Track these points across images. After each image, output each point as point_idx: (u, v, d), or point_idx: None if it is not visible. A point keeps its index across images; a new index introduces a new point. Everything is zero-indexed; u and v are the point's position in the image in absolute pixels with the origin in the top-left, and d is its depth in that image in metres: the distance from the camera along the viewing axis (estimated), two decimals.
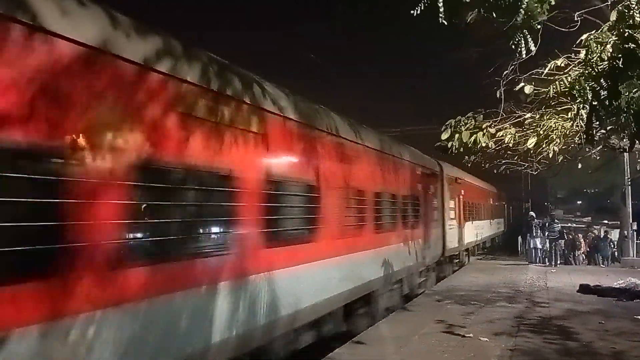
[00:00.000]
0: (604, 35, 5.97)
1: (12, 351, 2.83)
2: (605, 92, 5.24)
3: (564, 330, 8.48)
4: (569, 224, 31.18)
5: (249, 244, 5.08)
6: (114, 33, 3.73)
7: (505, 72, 8.45)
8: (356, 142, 8.49)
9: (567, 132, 9.32)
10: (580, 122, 8.21)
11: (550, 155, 10.07)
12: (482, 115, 9.20)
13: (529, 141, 9.06)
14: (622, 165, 20.45)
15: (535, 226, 20.99)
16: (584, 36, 6.62)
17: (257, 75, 5.99)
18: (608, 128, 6.47)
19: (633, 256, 21.20)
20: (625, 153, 14.41)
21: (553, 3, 4.90)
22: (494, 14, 4.49)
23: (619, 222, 24.61)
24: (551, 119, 8.86)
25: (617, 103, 5.29)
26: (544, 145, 9.47)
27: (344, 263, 7.65)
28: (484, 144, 9.05)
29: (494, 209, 29.61)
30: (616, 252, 23.31)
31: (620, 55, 5.11)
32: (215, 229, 4.85)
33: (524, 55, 4.78)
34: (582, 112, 7.30)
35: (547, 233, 20.46)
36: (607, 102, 5.30)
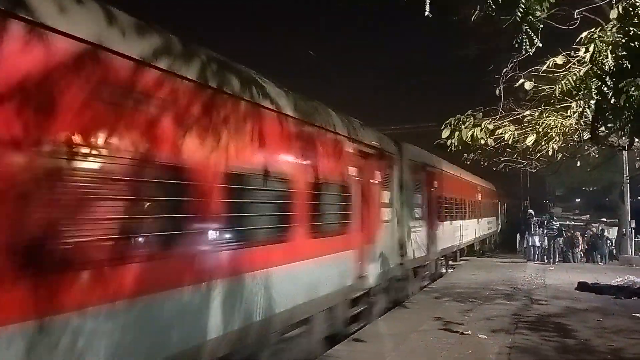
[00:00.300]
0: (609, 34, 5.97)
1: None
2: (612, 91, 5.24)
3: (562, 328, 8.50)
4: (568, 222, 31.22)
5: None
6: None
7: (504, 70, 8.45)
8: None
9: (566, 130, 9.34)
10: (582, 121, 8.23)
11: (550, 153, 10.08)
12: (481, 113, 9.22)
13: (528, 139, 9.07)
14: (621, 163, 20.48)
15: (533, 224, 21.05)
16: (584, 34, 6.62)
17: None
18: (609, 125, 6.46)
19: (631, 254, 21.26)
20: (624, 151, 14.43)
21: (553, 0, 4.90)
22: (493, 11, 4.48)
23: (617, 220, 24.70)
24: (550, 116, 8.87)
25: (622, 102, 5.29)
26: (542, 143, 9.48)
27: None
28: (482, 141, 9.06)
29: (485, 207, 25.79)
30: (614, 250, 23.39)
31: (626, 54, 5.11)
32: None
33: (530, 52, 4.77)
34: (588, 111, 7.31)
35: (545, 231, 20.52)
36: (613, 101, 5.29)
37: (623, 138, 9.13)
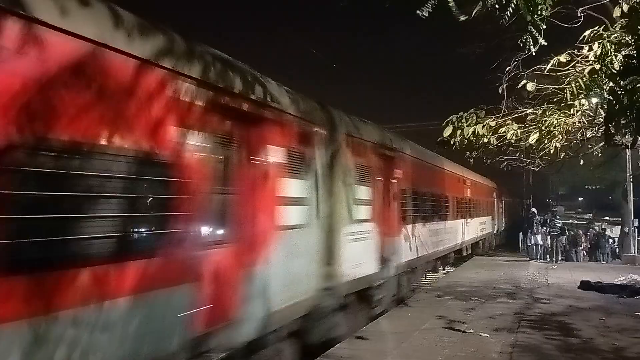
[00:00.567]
0: (617, 33, 5.96)
1: None
2: (623, 90, 5.23)
3: (564, 327, 8.48)
4: (570, 221, 31.19)
5: None
6: None
7: (507, 68, 8.43)
8: None
9: (570, 128, 9.31)
10: (586, 119, 8.21)
11: (552, 151, 10.06)
12: (484, 112, 9.20)
13: (531, 137, 9.04)
14: (624, 162, 20.44)
15: (536, 222, 21.03)
16: (587, 32, 6.61)
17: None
18: (621, 124, 6.45)
19: (634, 252, 21.22)
20: (627, 150, 14.39)
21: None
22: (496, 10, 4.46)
23: (620, 219, 24.64)
24: (553, 114, 8.85)
25: (626, 101, 5.28)
26: (545, 141, 9.45)
27: None
28: (485, 140, 9.04)
29: (477, 205, 21.90)
30: (617, 249, 23.37)
31: (636, 54, 5.10)
32: None
33: (533, 51, 4.76)
34: (601, 110, 7.29)
35: (548, 229, 20.49)
36: (624, 101, 5.28)
37: (627, 136, 9.11)
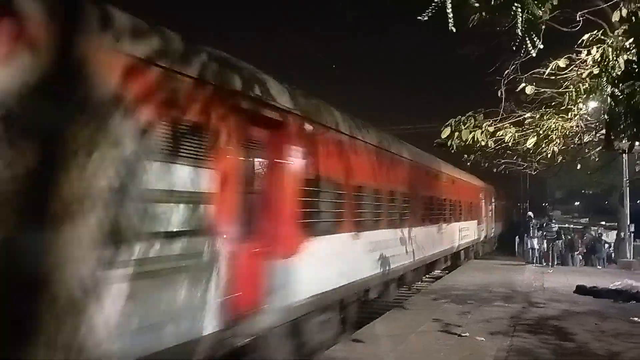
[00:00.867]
0: (618, 39, 5.97)
1: None
2: (624, 95, 5.24)
3: (560, 331, 8.48)
4: (567, 225, 31.21)
5: None
6: None
7: (506, 72, 8.44)
8: None
9: (567, 133, 9.32)
10: (583, 123, 8.20)
11: (549, 155, 10.07)
12: (482, 115, 9.19)
13: (529, 141, 9.05)
14: (621, 166, 20.48)
15: (532, 226, 21.04)
16: (586, 36, 6.61)
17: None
18: (621, 129, 6.46)
19: (630, 258, 21.25)
20: (624, 154, 14.42)
21: (555, 3, 4.88)
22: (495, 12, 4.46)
23: (616, 224, 24.69)
24: (551, 118, 8.86)
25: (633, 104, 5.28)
26: (543, 145, 9.46)
27: None
28: (482, 143, 9.04)
29: (461, 207, 18.44)
30: (613, 254, 23.40)
31: (636, 59, 5.11)
32: None
33: (532, 54, 4.75)
34: (605, 116, 7.28)
35: (544, 233, 20.49)
36: (626, 107, 5.29)
37: (624, 141, 9.13)
